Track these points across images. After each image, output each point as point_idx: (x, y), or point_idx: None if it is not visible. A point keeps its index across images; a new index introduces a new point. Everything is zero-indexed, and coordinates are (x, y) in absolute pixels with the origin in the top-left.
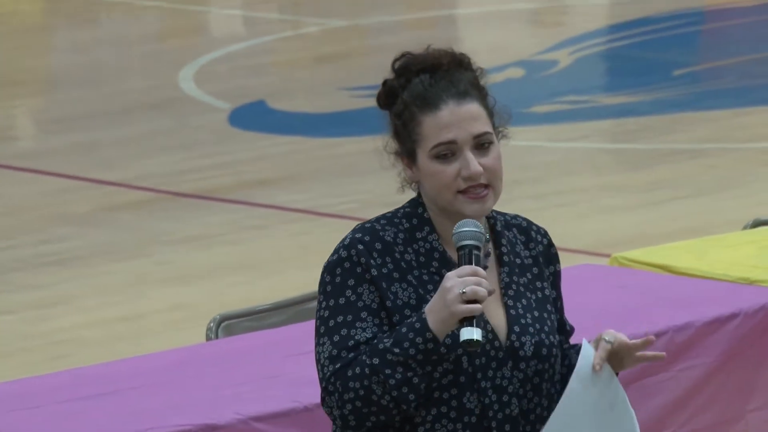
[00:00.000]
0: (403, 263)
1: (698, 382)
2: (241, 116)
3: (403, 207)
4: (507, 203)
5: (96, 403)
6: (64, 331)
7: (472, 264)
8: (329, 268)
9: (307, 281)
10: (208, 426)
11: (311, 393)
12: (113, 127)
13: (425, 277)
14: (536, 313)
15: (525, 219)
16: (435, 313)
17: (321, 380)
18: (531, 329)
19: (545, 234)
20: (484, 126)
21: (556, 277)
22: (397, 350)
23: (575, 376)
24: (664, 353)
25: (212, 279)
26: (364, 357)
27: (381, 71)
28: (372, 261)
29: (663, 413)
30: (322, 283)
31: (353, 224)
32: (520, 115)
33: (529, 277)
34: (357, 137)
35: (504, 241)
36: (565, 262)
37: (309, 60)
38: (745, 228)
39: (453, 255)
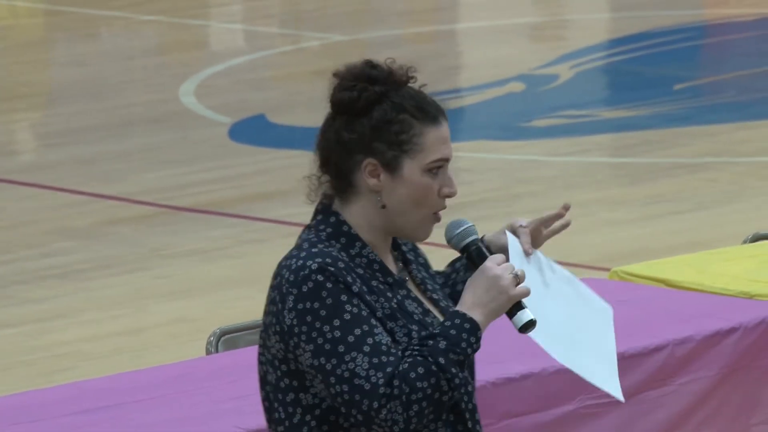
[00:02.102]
0: (364, 277)
1: (700, 396)
2: (241, 130)
3: (317, 229)
4: (507, 218)
5: (97, 417)
6: (65, 344)
7: (485, 256)
8: (310, 296)
9: None
10: None
11: None
12: (114, 141)
13: (382, 287)
14: (450, 302)
15: None
16: (486, 305)
17: (371, 391)
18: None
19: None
20: None
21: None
22: (458, 350)
23: (512, 263)
24: (569, 220)
25: (213, 293)
26: (420, 358)
27: None
28: (349, 278)
29: (665, 428)
30: (311, 311)
31: None
32: (520, 130)
33: (431, 273)
34: None
35: (405, 249)
36: None
37: (309, 74)
38: (744, 242)
39: (389, 264)
